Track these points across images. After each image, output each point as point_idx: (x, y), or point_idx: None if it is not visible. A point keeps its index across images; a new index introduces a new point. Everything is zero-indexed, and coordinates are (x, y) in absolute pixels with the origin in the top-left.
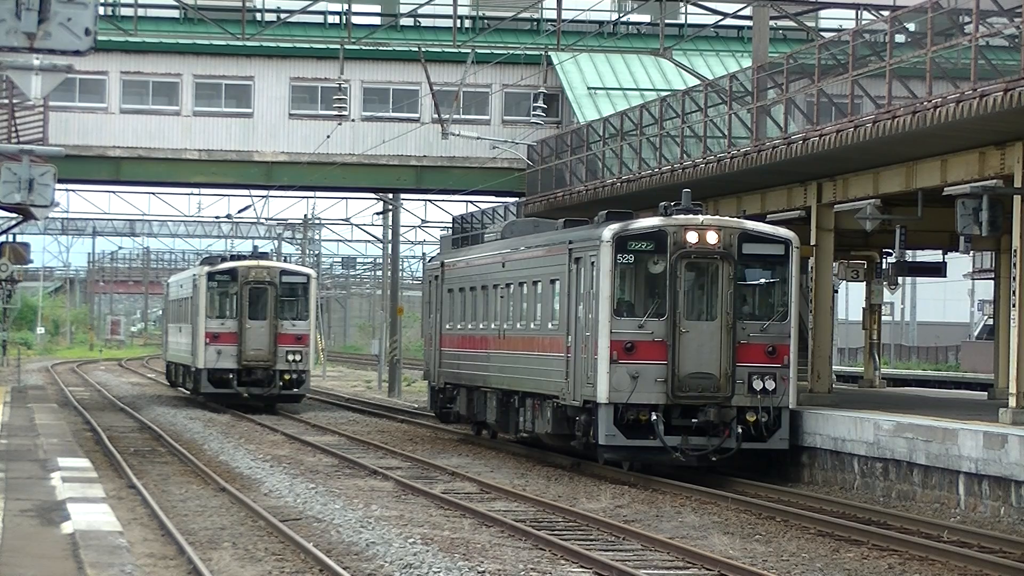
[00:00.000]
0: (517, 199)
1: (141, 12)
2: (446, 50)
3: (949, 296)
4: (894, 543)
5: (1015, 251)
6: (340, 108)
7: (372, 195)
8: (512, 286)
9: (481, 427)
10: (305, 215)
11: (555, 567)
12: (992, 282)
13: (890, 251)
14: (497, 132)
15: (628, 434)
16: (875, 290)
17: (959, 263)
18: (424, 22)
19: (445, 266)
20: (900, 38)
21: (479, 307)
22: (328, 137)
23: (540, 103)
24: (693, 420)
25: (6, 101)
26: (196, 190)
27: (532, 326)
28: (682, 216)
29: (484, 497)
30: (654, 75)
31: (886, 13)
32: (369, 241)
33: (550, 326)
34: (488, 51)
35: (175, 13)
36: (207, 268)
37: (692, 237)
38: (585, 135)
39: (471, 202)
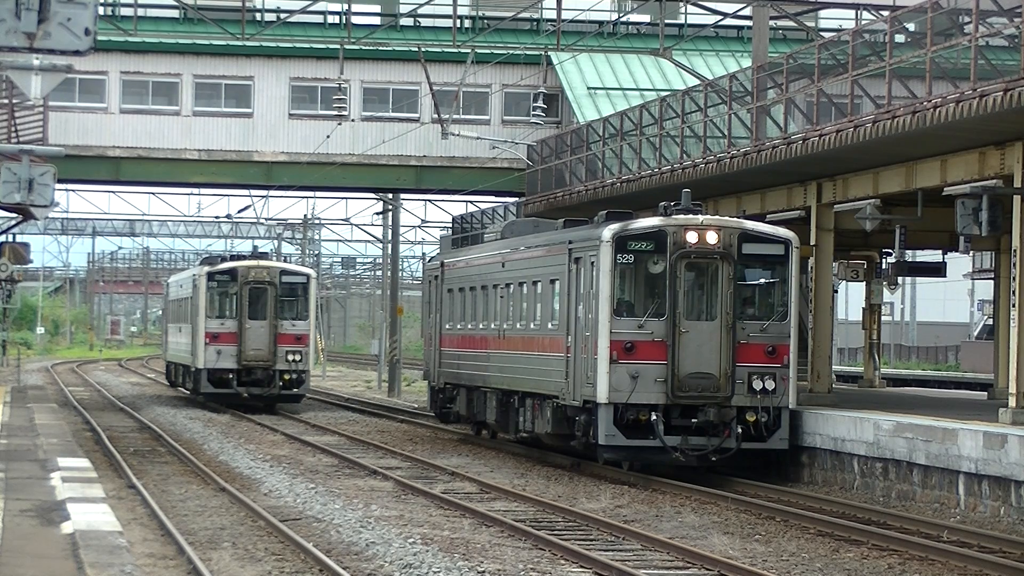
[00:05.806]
0: (517, 199)
1: (141, 12)
2: (446, 50)
3: (949, 296)
4: (894, 543)
5: (1015, 251)
6: (340, 108)
7: (372, 195)
8: (512, 286)
9: (481, 427)
10: (305, 215)
11: (555, 567)
12: (992, 282)
13: (890, 251)
14: (497, 132)
15: (628, 434)
16: (875, 290)
17: (959, 263)
18: (424, 22)
19: (445, 266)
20: (900, 38)
21: (479, 307)
22: (328, 137)
23: (540, 103)
24: (693, 420)
25: (6, 101)
26: (196, 190)
27: (532, 326)
28: (682, 216)
29: (484, 497)
30: (654, 75)
31: (886, 13)
32: (369, 241)
33: (550, 326)
34: (488, 51)
35: (175, 13)
36: (207, 268)
37: (692, 237)
38: (585, 135)
39: (471, 202)
